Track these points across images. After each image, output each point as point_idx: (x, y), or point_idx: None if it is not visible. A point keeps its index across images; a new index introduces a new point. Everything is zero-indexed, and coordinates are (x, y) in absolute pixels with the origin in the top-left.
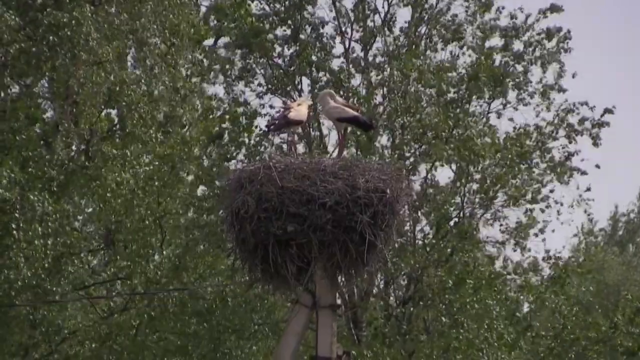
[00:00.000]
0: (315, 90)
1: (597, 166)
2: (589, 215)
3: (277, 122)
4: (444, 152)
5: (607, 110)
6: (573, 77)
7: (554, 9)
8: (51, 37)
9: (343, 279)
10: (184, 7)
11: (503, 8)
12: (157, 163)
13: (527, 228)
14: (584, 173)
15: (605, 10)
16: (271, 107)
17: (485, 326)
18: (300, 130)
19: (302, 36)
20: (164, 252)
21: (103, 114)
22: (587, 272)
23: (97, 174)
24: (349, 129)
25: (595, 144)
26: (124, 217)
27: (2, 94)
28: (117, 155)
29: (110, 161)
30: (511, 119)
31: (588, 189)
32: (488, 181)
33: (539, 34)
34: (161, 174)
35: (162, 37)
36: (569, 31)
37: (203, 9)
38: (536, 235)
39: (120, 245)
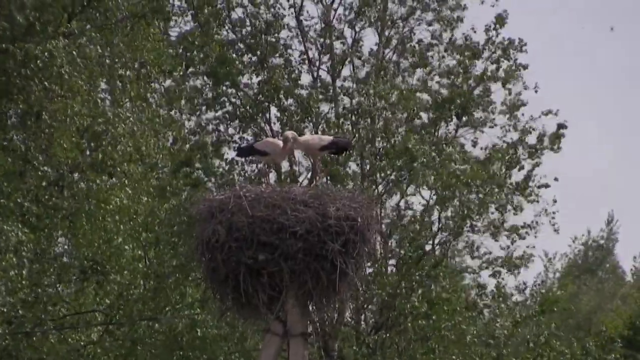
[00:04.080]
0: (284, 120)
1: (556, 179)
2: (554, 225)
3: (244, 147)
4: (425, 176)
5: (561, 126)
6: (536, 91)
7: (499, 20)
8: (23, 70)
9: (314, 308)
10: (155, 38)
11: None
12: (144, 198)
13: (518, 264)
14: (547, 186)
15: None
16: (241, 138)
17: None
18: (271, 161)
19: (270, 61)
20: (145, 285)
21: (76, 146)
22: (560, 303)
23: (77, 207)
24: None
25: (556, 151)
26: (108, 249)
27: None
28: (113, 185)
29: (100, 193)
30: (475, 142)
31: (554, 201)
32: (465, 209)
33: (493, 52)
34: (146, 205)
35: (133, 69)
36: (523, 43)
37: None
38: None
39: (102, 277)
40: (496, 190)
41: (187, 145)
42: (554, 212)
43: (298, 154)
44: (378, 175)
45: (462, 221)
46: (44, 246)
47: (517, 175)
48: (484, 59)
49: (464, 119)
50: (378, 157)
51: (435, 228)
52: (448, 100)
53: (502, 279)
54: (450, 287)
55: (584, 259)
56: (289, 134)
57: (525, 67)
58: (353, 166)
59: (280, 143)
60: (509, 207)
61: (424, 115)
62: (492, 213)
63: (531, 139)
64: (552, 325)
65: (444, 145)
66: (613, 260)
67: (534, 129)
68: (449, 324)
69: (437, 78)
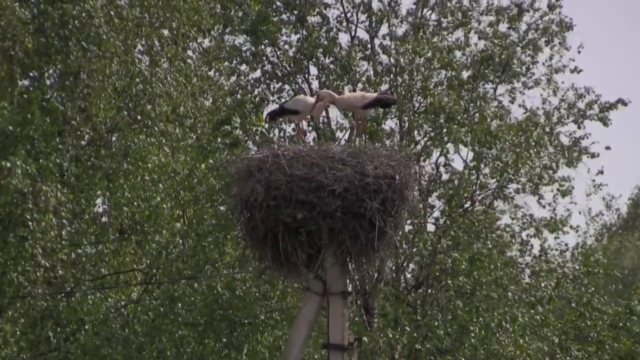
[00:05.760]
0: (323, 79)
1: (608, 147)
2: (606, 201)
3: (274, 110)
4: (460, 134)
5: (621, 101)
6: (579, 52)
7: None
8: (61, 31)
9: (353, 266)
10: None
11: None
12: (181, 156)
13: (558, 224)
14: (594, 156)
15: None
16: (280, 97)
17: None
18: (304, 118)
19: (308, 19)
20: (184, 244)
21: (114, 106)
22: (602, 263)
23: (115, 167)
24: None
25: (605, 124)
26: (146, 208)
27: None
28: (153, 143)
29: (141, 152)
30: (522, 105)
31: (600, 172)
32: (503, 162)
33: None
34: (184, 164)
35: (171, 29)
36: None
37: None
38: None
39: (141, 236)
40: (533, 143)
41: (228, 102)
42: (601, 185)
43: (333, 112)
44: (416, 133)
45: (500, 177)
46: (83, 206)
47: (563, 139)
48: (528, 16)
49: (504, 75)
50: (416, 114)
51: (474, 186)
52: (487, 58)
53: (545, 238)
54: (491, 244)
55: (625, 217)
56: (324, 92)
57: (570, 27)
58: (390, 124)
59: (310, 100)
60: (553, 166)
61: (463, 73)
62: (532, 169)
63: (579, 104)
64: (593, 289)
65: (482, 102)
66: None
67: (587, 94)
68: (490, 277)
69: (476, 38)
